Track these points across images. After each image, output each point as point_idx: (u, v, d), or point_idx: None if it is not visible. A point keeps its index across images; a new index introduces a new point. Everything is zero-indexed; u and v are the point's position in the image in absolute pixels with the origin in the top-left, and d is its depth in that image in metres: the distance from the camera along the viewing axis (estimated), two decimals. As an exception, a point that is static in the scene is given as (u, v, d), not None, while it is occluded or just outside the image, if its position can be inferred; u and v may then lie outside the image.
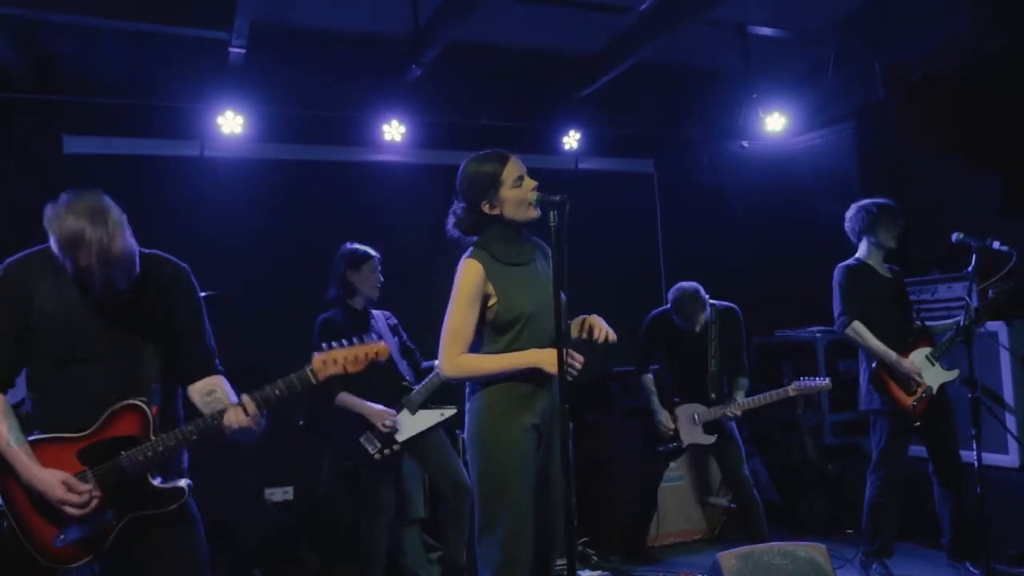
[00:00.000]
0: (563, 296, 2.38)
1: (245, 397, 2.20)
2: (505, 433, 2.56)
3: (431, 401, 4.01)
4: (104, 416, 2.19)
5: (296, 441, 4.67)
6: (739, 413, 4.27)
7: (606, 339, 2.58)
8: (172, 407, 2.36)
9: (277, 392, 2.21)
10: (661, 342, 4.49)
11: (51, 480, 2.13)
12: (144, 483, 2.21)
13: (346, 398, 3.91)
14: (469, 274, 2.59)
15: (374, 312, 4.15)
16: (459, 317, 2.59)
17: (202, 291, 2.45)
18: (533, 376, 2.55)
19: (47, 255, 2.18)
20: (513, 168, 2.63)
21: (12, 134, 4.46)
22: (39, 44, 4.36)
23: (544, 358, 2.52)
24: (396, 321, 4.25)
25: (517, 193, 2.61)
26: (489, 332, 2.63)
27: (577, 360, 2.53)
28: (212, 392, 2.32)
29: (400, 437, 3.93)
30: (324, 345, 2.22)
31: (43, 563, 2.17)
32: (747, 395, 4.33)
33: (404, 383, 4.03)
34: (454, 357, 2.59)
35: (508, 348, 2.60)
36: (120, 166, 4.74)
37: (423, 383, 3.99)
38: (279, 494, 4.75)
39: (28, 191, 4.41)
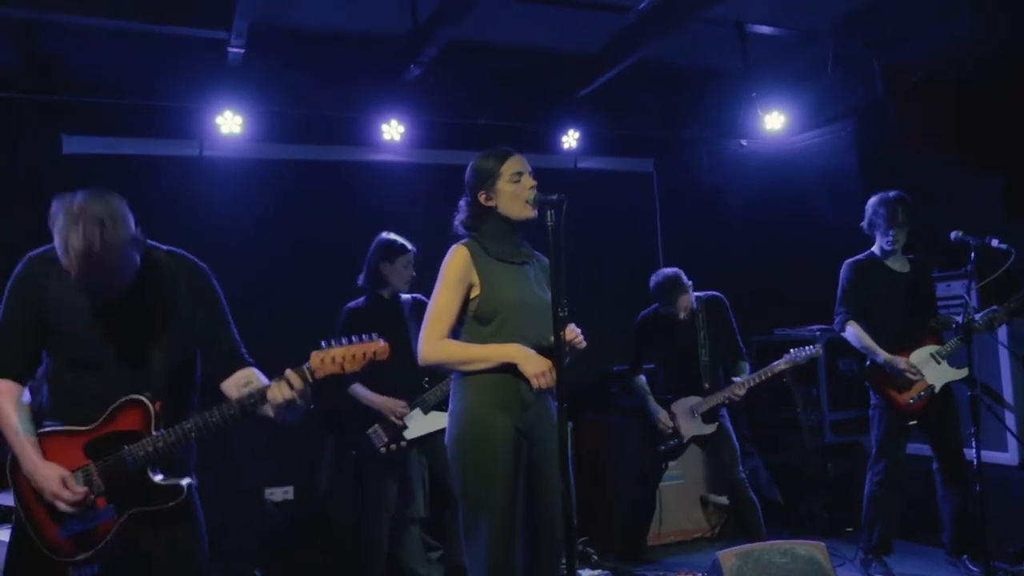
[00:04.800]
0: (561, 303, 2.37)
1: (289, 371, 2.18)
2: (483, 437, 2.55)
3: (446, 405, 3.99)
4: (109, 410, 2.21)
5: (297, 441, 4.67)
6: (741, 394, 4.26)
7: (572, 345, 2.55)
8: (181, 403, 2.34)
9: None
10: (652, 339, 4.47)
11: (50, 475, 2.14)
12: (144, 479, 2.21)
13: (358, 389, 3.90)
14: (454, 259, 2.63)
15: (403, 298, 4.12)
16: (442, 300, 2.61)
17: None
18: (514, 375, 2.54)
19: None
20: (513, 164, 2.67)
21: (11, 134, 4.46)
22: (38, 44, 4.35)
23: (523, 356, 2.51)
24: None
25: (513, 188, 2.65)
26: (471, 322, 2.65)
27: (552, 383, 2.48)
28: (248, 383, 2.31)
29: (409, 435, 3.93)
30: (323, 343, 2.20)
31: (46, 553, 2.18)
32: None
33: (423, 382, 3.98)
34: (434, 339, 2.60)
35: (488, 341, 2.60)
36: (119, 166, 4.74)
37: (440, 385, 3.97)
38: (279, 494, 4.75)
39: (27, 192, 4.43)
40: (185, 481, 2.27)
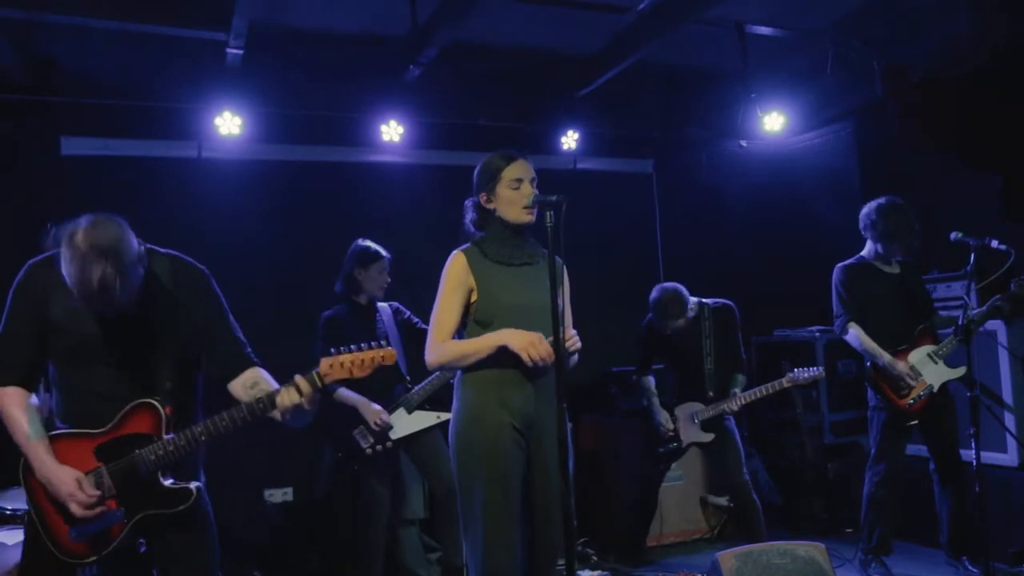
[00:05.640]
0: (561, 302, 2.37)
1: (298, 377, 2.20)
2: (479, 436, 2.57)
3: (430, 404, 4.01)
4: (120, 414, 2.23)
5: (296, 442, 4.65)
6: (736, 408, 4.25)
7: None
8: (189, 407, 2.35)
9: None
10: (658, 345, 4.47)
11: (65, 477, 2.16)
12: (155, 482, 2.24)
13: (344, 392, 3.92)
14: (452, 265, 2.67)
15: (380, 306, 4.14)
16: (441, 308, 2.65)
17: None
18: (511, 370, 2.55)
19: None
20: (515, 169, 2.67)
21: (9, 136, 4.46)
22: (36, 45, 4.35)
23: (508, 334, 2.52)
24: (408, 314, 4.22)
25: (512, 194, 2.65)
26: (472, 325, 2.67)
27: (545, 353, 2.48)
28: (255, 384, 2.33)
29: (394, 435, 3.94)
30: (332, 350, 2.22)
31: (58, 556, 2.21)
32: (744, 391, 4.31)
33: (405, 382, 4.03)
34: (435, 344, 2.63)
35: None
36: (118, 167, 4.73)
37: (423, 383, 4.00)
38: (279, 494, 4.76)
39: (26, 193, 4.44)
40: (194, 484, 2.28)
